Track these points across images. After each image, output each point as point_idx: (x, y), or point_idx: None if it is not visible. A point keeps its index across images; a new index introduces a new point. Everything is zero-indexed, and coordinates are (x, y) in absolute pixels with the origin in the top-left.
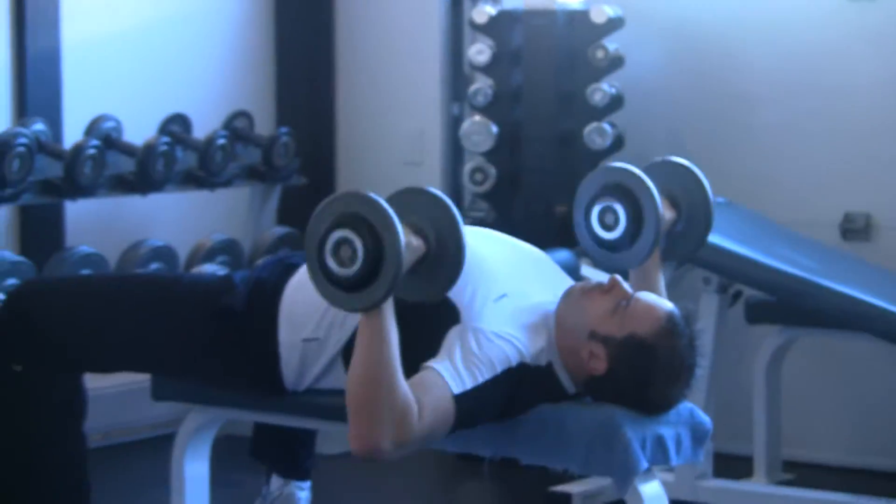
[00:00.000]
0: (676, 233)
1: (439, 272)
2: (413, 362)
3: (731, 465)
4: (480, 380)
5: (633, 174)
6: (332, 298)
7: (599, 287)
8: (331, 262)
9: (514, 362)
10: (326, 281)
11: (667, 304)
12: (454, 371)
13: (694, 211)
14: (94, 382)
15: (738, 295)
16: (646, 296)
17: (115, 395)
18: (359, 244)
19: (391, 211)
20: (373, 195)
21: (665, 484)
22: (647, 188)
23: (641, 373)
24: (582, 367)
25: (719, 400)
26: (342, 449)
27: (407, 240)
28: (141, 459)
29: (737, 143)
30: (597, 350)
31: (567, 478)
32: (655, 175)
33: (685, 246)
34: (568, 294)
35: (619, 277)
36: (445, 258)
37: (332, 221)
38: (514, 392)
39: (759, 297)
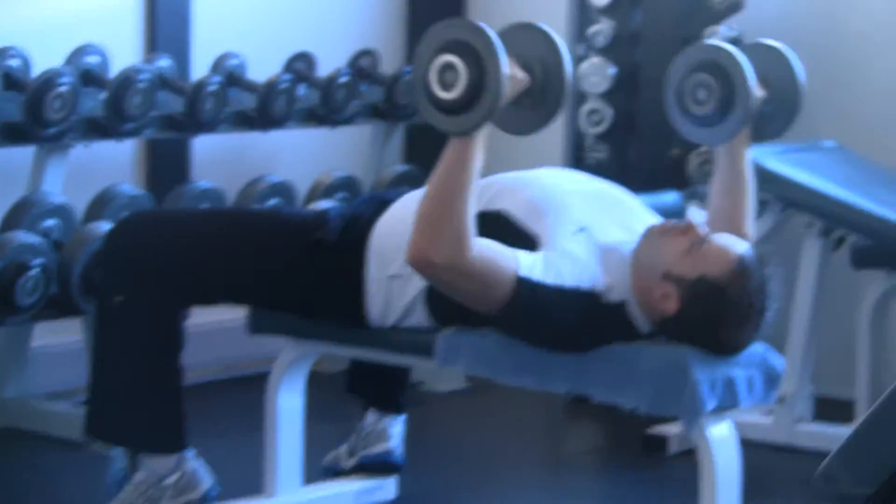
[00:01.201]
0: (765, 113)
1: (541, 107)
2: None
3: (833, 410)
4: (548, 282)
5: (727, 51)
6: (432, 119)
7: (676, 227)
8: (435, 85)
9: (584, 286)
10: (428, 102)
11: (740, 246)
12: (530, 262)
13: (784, 92)
14: (197, 318)
15: (841, 240)
16: (721, 238)
17: (217, 331)
18: (463, 69)
19: (497, 41)
20: (482, 24)
21: (762, 426)
22: (740, 65)
23: (711, 315)
24: (655, 307)
25: (823, 344)
26: (451, 387)
27: (512, 71)
28: (241, 394)
29: (852, 86)
30: (669, 290)
31: (663, 419)
32: (748, 56)
33: (773, 126)
34: (646, 234)
35: (694, 219)
36: (549, 94)
37: (440, 46)
38: (582, 319)
39: (864, 241)
